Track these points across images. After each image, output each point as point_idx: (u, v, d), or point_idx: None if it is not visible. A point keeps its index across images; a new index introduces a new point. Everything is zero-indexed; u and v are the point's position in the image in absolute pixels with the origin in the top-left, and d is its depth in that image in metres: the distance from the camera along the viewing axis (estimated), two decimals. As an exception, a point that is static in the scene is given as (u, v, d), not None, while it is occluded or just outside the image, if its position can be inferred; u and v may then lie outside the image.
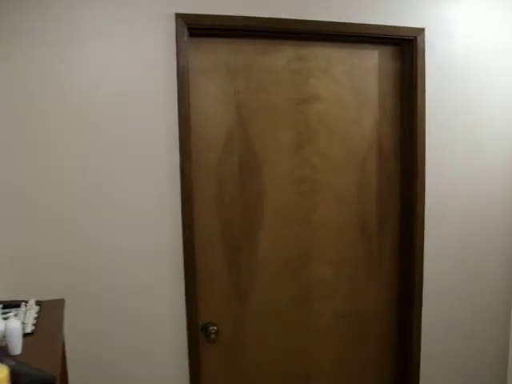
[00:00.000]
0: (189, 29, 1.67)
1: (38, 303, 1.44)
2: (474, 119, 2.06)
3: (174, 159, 1.69)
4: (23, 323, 1.27)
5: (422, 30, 1.92)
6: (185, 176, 1.70)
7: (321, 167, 1.94)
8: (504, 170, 2.14)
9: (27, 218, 1.57)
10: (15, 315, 1.31)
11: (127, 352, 1.72)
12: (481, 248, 2.15)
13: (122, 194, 1.66)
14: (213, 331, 1.83)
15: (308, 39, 1.85)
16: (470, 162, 2.08)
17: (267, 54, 1.83)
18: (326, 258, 1.98)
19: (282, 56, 1.85)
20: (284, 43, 1.84)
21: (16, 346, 1.13)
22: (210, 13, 1.68)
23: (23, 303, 1.40)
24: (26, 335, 1.21)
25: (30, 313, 1.35)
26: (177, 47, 1.65)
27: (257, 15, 1.72)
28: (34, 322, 1.31)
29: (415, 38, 1.91)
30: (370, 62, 1.96)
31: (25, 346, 1.16)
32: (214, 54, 1.77)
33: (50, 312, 1.40)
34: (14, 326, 1.13)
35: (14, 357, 1.07)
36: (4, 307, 1.37)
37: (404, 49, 1.96)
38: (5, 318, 1.23)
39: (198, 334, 1.81)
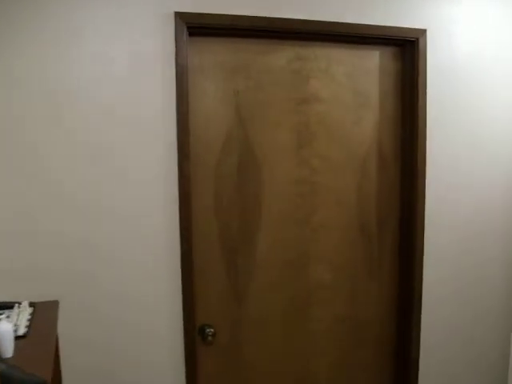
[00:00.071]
0: (188, 28, 1.65)
1: (32, 305, 1.43)
2: (476, 120, 2.04)
3: (172, 159, 1.67)
4: (16, 325, 1.26)
5: (423, 31, 1.90)
6: (183, 176, 1.68)
7: (320, 168, 1.92)
8: (505, 172, 2.12)
9: (26, 228, 1.55)
10: (7, 317, 1.30)
11: (123, 355, 1.70)
12: (481, 253, 2.13)
13: (120, 194, 1.64)
14: (210, 333, 1.81)
15: (308, 39, 1.83)
16: (471, 164, 2.06)
17: (267, 54, 1.81)
18: (325, 261, 1.96)
19: (282, 56, 1.83)
20: (284, 43, 1.82)
21: (7, 349, 1.12)
22: (210, 12, 1.66)
23: (16, 304, 1.38)
24: (18, 338, 1.19)
25: (23, 314, 1.34)
26: (176, 46, 1.64)
27: (257, 15, 1.70)
28: (27, 323, 1.29)
29: (417, 39, 1.89)
30: (371, 62, 1.94)
31: (17, 348, 1.15)
32: (214, 54, 1.75)
33: (44, 314, 1.39)
34: (6, 329, 1.12)
35: (4, 360, 1.06)
36: (-3, 308, 1.35)
37: (405, 50, 1.94)
38: (-3, 320, 1.21)
39: (195, 336, 1.79)
